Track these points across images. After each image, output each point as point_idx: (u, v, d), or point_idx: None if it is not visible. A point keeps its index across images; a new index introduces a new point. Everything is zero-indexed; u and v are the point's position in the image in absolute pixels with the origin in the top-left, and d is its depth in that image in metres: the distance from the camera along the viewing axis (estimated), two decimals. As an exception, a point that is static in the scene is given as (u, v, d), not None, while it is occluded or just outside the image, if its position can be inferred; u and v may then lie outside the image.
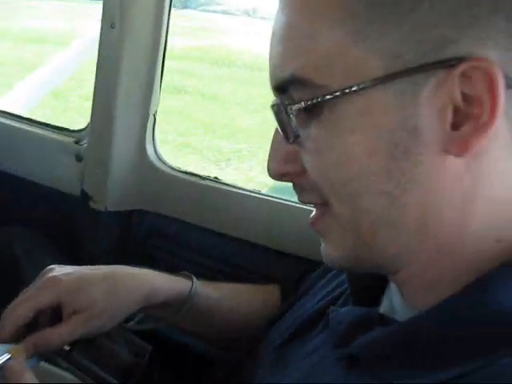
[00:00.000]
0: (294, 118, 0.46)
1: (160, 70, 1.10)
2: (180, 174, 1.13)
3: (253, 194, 1.06)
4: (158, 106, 1.12)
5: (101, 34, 1.08)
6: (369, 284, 0.58)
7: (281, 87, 0.47)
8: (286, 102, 0.46)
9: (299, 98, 0.45)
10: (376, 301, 0.57)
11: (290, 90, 0.46)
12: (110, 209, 1.15)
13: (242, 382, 0.67)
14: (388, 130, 0.43)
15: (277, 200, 1.03)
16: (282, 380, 0.58)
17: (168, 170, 1.14)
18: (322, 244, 0.52)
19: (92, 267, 0.74)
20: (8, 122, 1.32)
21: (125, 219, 1.17)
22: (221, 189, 1.09)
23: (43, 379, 0.71)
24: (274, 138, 0.51)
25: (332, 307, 0.58)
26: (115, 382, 0.71)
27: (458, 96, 0.41)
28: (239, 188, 1.08)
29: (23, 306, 0.67)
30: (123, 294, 0.71)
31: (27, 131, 1.29)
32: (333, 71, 0.43)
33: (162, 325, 0.80)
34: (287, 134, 0.47)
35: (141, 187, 1.16)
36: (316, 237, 0.93)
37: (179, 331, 0.96)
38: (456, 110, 0.41)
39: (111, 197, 1.15)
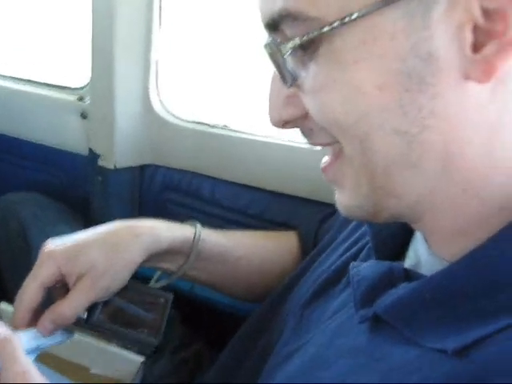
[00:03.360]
0: (289, 58, 0.41)
1: (158, 15, 1.04)
2: (188, 124, 1.09)
3: (265, 140, 1.01)
4: (159, 54, 1.07)
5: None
6: (392, 236, 0.53)
7: (272, 24, 0.41)
8: (279, 41, 0.41)
9: (293, 34, 0.40)
10: (401, 254, 0.52)
11: (283, 27, 0.41)
12: (120, 166, 1.12)
13: (268, 341, 0.64)
14: (398, 58, 0.37)
15: (291, 144, 0.99)
16: (306, 344, 0.54)
17: (176, 121, 1.09)
18: (336, 192, 0.48)
19: (89, 230, 0.71)
20: (8, 84, 1.28)
21: (135, 175, 1.14)
22: (231, 136, 1.04)
23: (80, 352, 0.71)
24: (271, 82, 0.46)
25: (353, 262, 0.54)
26: (141, 336, 0.70)
27: (476, 11, 0.35)
28: (250, 134, 1.03)
29: (28, 288, 0.65)
30: (123, 248, 0.68)
31: (29, 92, 1.25)
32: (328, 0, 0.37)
33: (176, 277, 0.77)
34: (284, 76, 0.42)
35: (149, 141, 1.12)
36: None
37: (202, 288, 0.95)
38: (475, 29, 0.36)
39: (120, 153, 1.11)
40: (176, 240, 0.73)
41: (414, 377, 0.39)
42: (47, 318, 0.64)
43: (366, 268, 0.51)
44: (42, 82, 1.27)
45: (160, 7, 1.04)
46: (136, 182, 1.14)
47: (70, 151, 1.21)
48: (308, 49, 0.40)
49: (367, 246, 0.57)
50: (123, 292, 0.71)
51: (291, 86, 0.43)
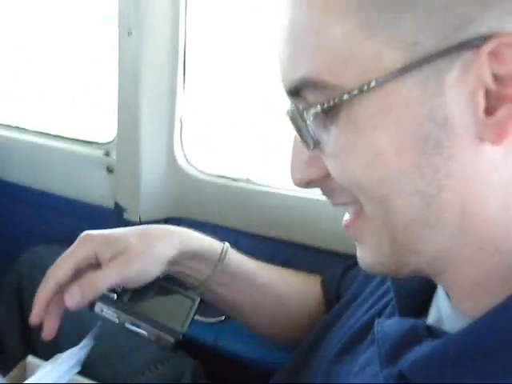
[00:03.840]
0: (311, 124, 0.43)
1: (182, 73, 1.08)
2: (211, 178, 1.11)
3: (287, 193, 1.03)
4: (183, 110, 1.10)
5: (119, 42, 1.06)
6: (415, 292, 0.54)
7: (294, 91, 0.43)
8: (301, 107, 0.43)
9: (314, 100, 0.42)
10: (424, 310, 0.53)
11: (304, 93, 0.43)
12: (144, 219, 1.14)
13: None
14: (414, 124, 0.39)
15: (313, 197, 1.00)
16: None
17: (199, 175, 1.12)
18: (358, 249, 0.49)
19: None
20: (36, 139, 1.32)
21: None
22: (254, 190, 1.06)
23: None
24: (293, 145, 0.48)
25: (378, 319, 0.54)
26: (167, 323, 0.71)
27: (488, 77, 0.37)
28: (273, 187, 1.05)
29: (62, 263, 0.68)
30: (157, 239, 0.72)
31: (56, 147, 1.29)
32: (346, 69, 0.40)
33: (202, 291, 0.78)
34: (306, 140, 0.44)
35: (173, 194, 1.14)
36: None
37: (226, 340, 0.95)
38: (488, 94, 0.37)
39: (144, 207, 1.14)
40: (205, 245, 0.77)
41: None
42: (76, 284, 0.65)
43: (390, 325, 0.51)
44: (70, 137, 1.31)
45: (184, 65, 1.08)
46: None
47: (96, 204, 1.23)
48: (329, 113, 0.41)
49: (392, 303, 0.58)
50: (152, 285, 0.73)
51: (313, 149, 0.44)
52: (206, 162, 1.14)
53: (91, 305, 0.68)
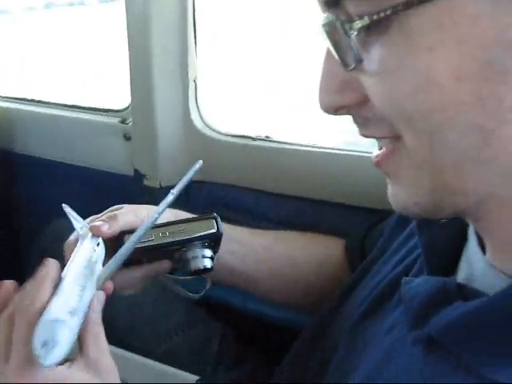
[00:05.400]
0: (354, 38, 0.37)
1: (193, 32, 1.05)
2: (230, 138, 1.08)
3: (308, 149, 1.00)
4: (197, 71, 1.07)
5: (126, 4, 1.03)
6: (444, 246, 0.50)
7: (333, 0, 0.37)
8: (343, 19, 0.37)
9: (359, 11, 0.36)
10: (454, 266, 0.49)
11: (346, 3, 0.36)
12: (165, 184, 1.12)
13: (323, 358, 0.62)
14: (479, 45, 0.33)
15: (333, 151, 0.97)
16: (360, 364, 0.52)
17: (217, 136, 1.09)
18: (390, 187, 0.44)
19: None
20: (52, 110, 1.30)
21: (181, 193, 1.14)
22: (274, 147, 1.03)
23: (137, 373, 0.71)
24: (324, 64, 0.41)
25: (405, 278, 0.51)
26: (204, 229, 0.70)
27: None
28: (293, 144, 1.02)
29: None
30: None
31: (72, 117, 1.27)
32: None
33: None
34: (346, 58, 0.38)
35: (192, 157, 1.12)
36: (380, 186, 0.88)
37: (255, 303, 0.94)
38: None
39: (164, 172, 1.12)
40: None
41: None
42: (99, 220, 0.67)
43: (417, 285, 0.48)
44: (85, 106, 1.29)
45: (194, 25, 1.04)
46: (182, 199, 1.14)
47: (115, 173, 1.22)
48: (376, 29, 0.36)
49: (420, 259, 0.54)
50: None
51: (353, 69, 0.38)
52: (224, 122, 1.12)
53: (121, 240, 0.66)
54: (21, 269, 1.24)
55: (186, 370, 0.80)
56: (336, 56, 0.38)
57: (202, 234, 0.69)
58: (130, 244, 0.59)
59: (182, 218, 0.62)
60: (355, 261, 0.80)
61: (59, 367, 0.50)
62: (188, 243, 0.69)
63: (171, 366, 0.81)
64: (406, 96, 0.36)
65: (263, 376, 0.93)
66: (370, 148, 0.49)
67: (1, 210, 1.40)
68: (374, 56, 0.37)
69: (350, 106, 0.41)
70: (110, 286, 0.62)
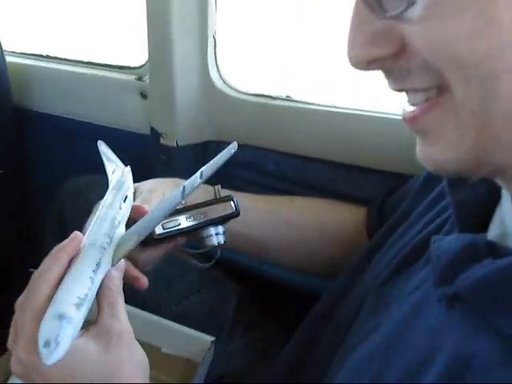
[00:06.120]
0: None
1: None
2: (249, 97, 1.05)
3: (329, 109, 0.97)
4: (216, 27, 1.04)
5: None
6: (477, 204, 0.48)
7: None
8: None
9: None
10: (487, 226, 0.47)
11: None
12: (182, 143, 1.10)
13: (343, 319, 0.61)
14: None
15: (357, 113, 0.94)
16: (383, 322, 0.50)
17: (236, 95, 1.06)
18: (422, 146, 0.41)
19: None
20: (67, 67, 1.28)
21: (198, 152, 1.12)
22: (294, 107, 1.01)
23: (151, 332, 0.73)
24: (354, 14, 0.38)
25: (435, 236, 0.48)
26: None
27: None
28: (314, 104, 0.99)
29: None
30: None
31: (88, 74, 1.25)
32: None
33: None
34: (386, 3, 0.34)
35: (210, 117, 1.10)
36: (404, 149, 0.85)
37: (271, 265, 0.93)
38: None
39: (181, 131, 1.10)
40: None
41: (493, 373, 0.36)
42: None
43: (447, 242, 0.46)
44: (101, 63, 1.26)
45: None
46: (199, 159, 1.12)
47: (131, 131, 1.20)
48: None
49: (450, 220, 0.52)
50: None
51: (392, 15, 0.35)
52: (244, 80, 1.09)
53: None
54: (37, 228, 1.24)
55: (201, 331, 0.79)
56: (374, 2, 0.35)
57: (223, 215, 0.72)
58: (155, 216, 0.58)
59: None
60: (373, 225, 0.78)
61: None
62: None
63: (187, 326, 0.80)
64: (459, 41, 0.33)
65: (278, 339, 0.92)
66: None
67: (15, 168, 1.39)
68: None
69: (384, 59, 0.38)
70: (144, 281, 0.66)
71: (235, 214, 0.73)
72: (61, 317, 0.48)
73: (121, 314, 0.53)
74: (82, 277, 0.52)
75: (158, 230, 0.68)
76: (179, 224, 0.70)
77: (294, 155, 1.02)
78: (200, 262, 0.80)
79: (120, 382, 0.51)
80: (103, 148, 0.73)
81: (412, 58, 0.37)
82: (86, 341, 0.51)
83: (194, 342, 0.78)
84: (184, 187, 0.57)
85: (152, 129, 1.14)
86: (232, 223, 0.75)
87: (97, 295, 0.53)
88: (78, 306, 0.49)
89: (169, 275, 0.95)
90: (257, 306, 0.98)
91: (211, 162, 0.62)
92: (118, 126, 1.22)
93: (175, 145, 1.10)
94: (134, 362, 0.52)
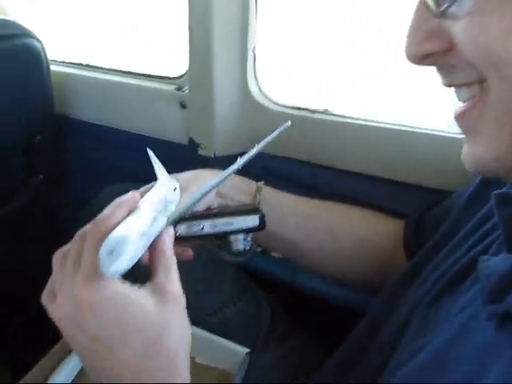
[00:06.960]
0: None
1: (254, 4, 1.02)
2: (287, 110, 1.06)
3: (367, 123, 0.97)
4: (256, 41, 1.05)
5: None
6: None
7: None
8: None
9: None
10: None
11: None
12: (219, 154, 1.11)
13: (388, 338, 0.60)
14: None
15: (394, 127, 0.94)
16: (431, 341, 0.50)
17: (274, 107, 1.07)
18: (466, 146, 0.43)
19: None
20: (108, 77, 1.30)
21: (234, 162, 1.13)
22: (332, 121, 1.01)
23: None
24: (414, 14, 0.41)
25: (482, 256, 0.48)
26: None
27: None
28: (352, 118, 0.99)
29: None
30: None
31: (128, 84, 1.27)
32: None
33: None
34: (437, 1, 0.38)
35: (248, 128, 1.10)
36: (440, 164, 0.84)
37: (305, 277, 0.93)
38: None
39: (219, 142, 1.11)
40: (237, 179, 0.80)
41: None
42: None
43: (496, 262, 0.46)
44: (142, 73, 1.28)
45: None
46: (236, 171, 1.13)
47: (170, 141, 1.21)
48: None
49: (497, 241, 0.52)
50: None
51: (444, 10, 0.38)
52: (282, 93, 1.09)
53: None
54: (72, 234, 1.25)
55: (236, 342, 0.79)
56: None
57: (248, 228, 0.74)
58: (204, 191, 0.63)
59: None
60: (410, 240, 0.78)
61: (126, 286, 0.50)
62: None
63: (221, 337, 0.81)
64: (495, 37, 0.35)
65: (313, 350, 0.92)
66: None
67: (55, 174, 1.42)
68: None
69: (436, 54, 0.41)
70: (190, 253, 0.66)
71: (260, 229, 0.74)
72: (125, 237, 0.50)
73: (175, 278, 0.54)
74: (144, 215, 0.54)
75: (183, 230, 0.70)
76: (202, 229, 0.71)
77: (329, 168, 1.02)
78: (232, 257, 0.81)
79: (167, 343, 0.51)
80: (151, 154, 0.75)
81: (457, 54, 0.39)
82: (141, 292, 0.51)
83: (229, 353, 0.79)
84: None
85: (190, 139, 1.15)
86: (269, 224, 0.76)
87: (150, 259, 0.54)
88: (142, 235, 0.52)
89: (204, 287, 0.95)
90: (291, 316, 0.98)
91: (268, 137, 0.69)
92: (156, 136, 1.23)
93: (213, 155, 1.11)
94: (184, 327, 0.53)
